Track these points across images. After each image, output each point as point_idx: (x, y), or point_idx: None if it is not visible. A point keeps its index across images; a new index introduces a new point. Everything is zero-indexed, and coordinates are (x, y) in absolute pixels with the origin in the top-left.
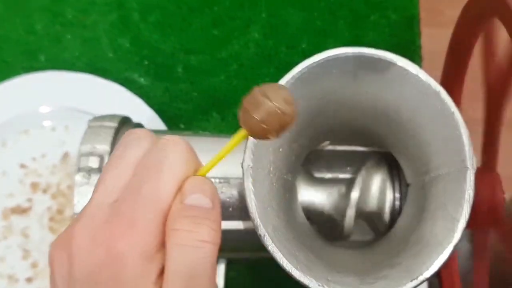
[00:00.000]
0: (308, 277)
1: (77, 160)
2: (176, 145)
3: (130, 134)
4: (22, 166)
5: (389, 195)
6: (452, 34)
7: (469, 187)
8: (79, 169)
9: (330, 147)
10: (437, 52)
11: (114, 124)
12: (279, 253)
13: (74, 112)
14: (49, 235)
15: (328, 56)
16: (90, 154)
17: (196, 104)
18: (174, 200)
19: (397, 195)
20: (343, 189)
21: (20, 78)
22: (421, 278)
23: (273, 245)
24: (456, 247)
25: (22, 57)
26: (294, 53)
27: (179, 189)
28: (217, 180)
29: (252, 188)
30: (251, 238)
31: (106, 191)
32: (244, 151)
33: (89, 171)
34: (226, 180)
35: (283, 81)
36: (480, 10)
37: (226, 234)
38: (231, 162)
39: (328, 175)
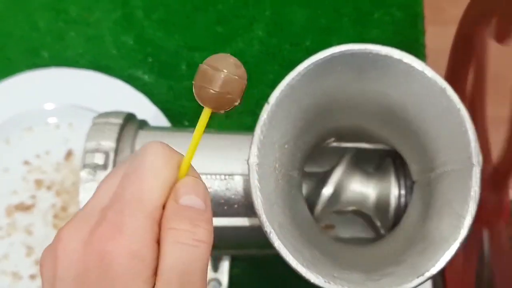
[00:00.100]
0: (315, 273)
1: (82, 156)
2: (152, 147)
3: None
4: (26, 163)
5: (394, 192)
6: (456, 31)
7: (475, 184)
8: (85, 166)
9: (335, 144)
10: (440, 50)
11: (119, 120)
12: (286, 250)
13: (78, 109)
14: (53, 232)
15: (334, 53)
16: (96, 150)
17: None
18: (168, 200)
19: (402, 192)
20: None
21: (24, 75)
22: (427, 274)
23: (279, 242)
24: (462, 244)
25: (25, 54)
26: (298, 51)
27: (169, 188)
28: (222, 177)
29: (258, 185)
30: (256, 235)
31: (96, 200)
32: (250, 148)
33: (95, 167)
34: (231, 177)
35: (288, 78)
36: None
37: (231, 231)
38: (236, 159)
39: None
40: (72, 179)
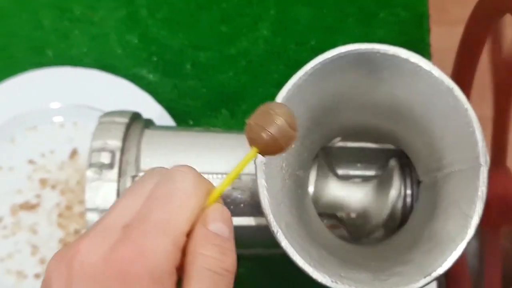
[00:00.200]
0: (322, 273)
1: (88, 155)
2: (184, 174)
3: (150, 170)
4: (31, 162)
5: (400, 192)
6: (463, 31)
7: (482, 184)
8: (91, 165)
9: (341, 144)
10: (445, 50)
11: (125, 119)
12: (293, 249)
13: (82, 108)
14: (58, 231)
15: (341, 52)
16: (102, 149)
17: (205, 100)
18: (197, 224)
19: (409, 192)
20: (370, 186)
21: (29, 74)
22: (434, 274)
23: (286, 241)
24: (469, 244)
25: (29, 53)
26: (303, 50)
27: (195, 216)
28: None
29: (265, 184)
30: (262, 234)
31: (117, 215)
32: None
33: (101, 166)
34: (237, 176)
35: (295, 77)
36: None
37: (237, 230)
38: (242, 158)
39: (340, 172)
40: (77, 178)
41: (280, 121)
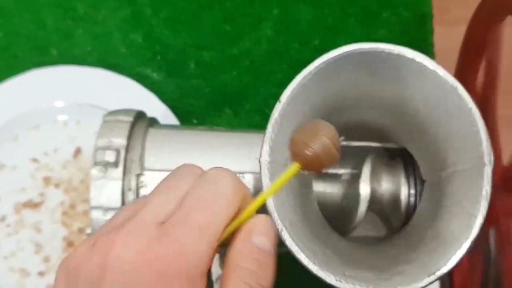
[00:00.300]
0: (326, 271)
1: (93, 154)
2: (225, 177)
3: (183, 167)
4: (34, 160)
5: (404, 191)
6: (465, 32)
7: (487, 184)
8: (95, 163)
9: (345, 143)
10: (448, 50)
11: (129, 118)
12: (297, 248)
13: (86, 107)
14: (62, 230)
15: (345, 52)
16: (107, 148)
17: (208, 100)
18: (241, 235)
19: (412, 191)
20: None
21: (32, 73)
22: (438, 273)
23: (291, 239)
24: (473, 243)
25: (33, 52)
26: (305, 50)
27: (230, 220)
28: None
29: (270, 183)
30: None
31: (153, 212)
32: (262, 146)
33: (106, 165)
34: (241, 175)
35: (300, 77)
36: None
37: None
38: (246, 157)
39: (341, 171)
40: (80, 177)
41: (324, 139)
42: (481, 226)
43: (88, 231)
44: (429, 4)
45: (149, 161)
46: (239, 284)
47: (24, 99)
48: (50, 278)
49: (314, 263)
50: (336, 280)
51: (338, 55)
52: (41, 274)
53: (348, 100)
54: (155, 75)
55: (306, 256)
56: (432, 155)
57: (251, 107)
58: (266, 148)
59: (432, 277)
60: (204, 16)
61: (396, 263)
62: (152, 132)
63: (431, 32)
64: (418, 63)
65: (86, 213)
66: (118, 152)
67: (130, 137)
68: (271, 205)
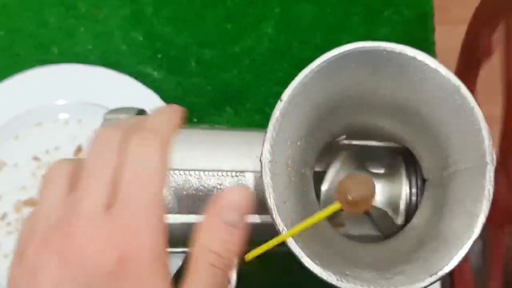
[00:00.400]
0: (327, 271)
1: None
2: (144, 146)
3: (100, 141)
4: (35, 159)
5: (404, 190)
6: (466, 31)
7: (489, 183)
8: None
9: (346, 142)
10: (449, 49)
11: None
12: (298, 248)
13: (87, 105)
14: None
15: (347, 50)
16: None
17: (209, 98)
18: (209, 209)
19: (413, 190)
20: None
21: (34, 71)
22: (440, 273)
23: (292, 239)
24: (475, 242)
25: (34, 50)
26: (307, 49)
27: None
28: (233, 174)
29: (271, 182)
30: (267, 232)
31: (94, 197)
32: (263, 145)
33: None
34: (242, 174)
35: (301, 75)
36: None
37: None
38: (247, 156)
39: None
40: None
41: (363, 190)
42: (483, 225)
43: None
44: (430, 3)
45: None
46: (206, 266)
47: (26, 98)
48: None
49: (316, 263)
50: (337, 279)
51: (339, 53)
52: None
53: (350, 99)
54: (156, 73)
55: (307, 256)
56: (433, 154)
57: (252, 106)
58: (267, 146)
59: (434, 277)
60: (206, 15)
61: (398, 262)
62: None
63: (432, 31)
64: (420, 61)
65: None
66: None
67: None
68: (272, 205)
